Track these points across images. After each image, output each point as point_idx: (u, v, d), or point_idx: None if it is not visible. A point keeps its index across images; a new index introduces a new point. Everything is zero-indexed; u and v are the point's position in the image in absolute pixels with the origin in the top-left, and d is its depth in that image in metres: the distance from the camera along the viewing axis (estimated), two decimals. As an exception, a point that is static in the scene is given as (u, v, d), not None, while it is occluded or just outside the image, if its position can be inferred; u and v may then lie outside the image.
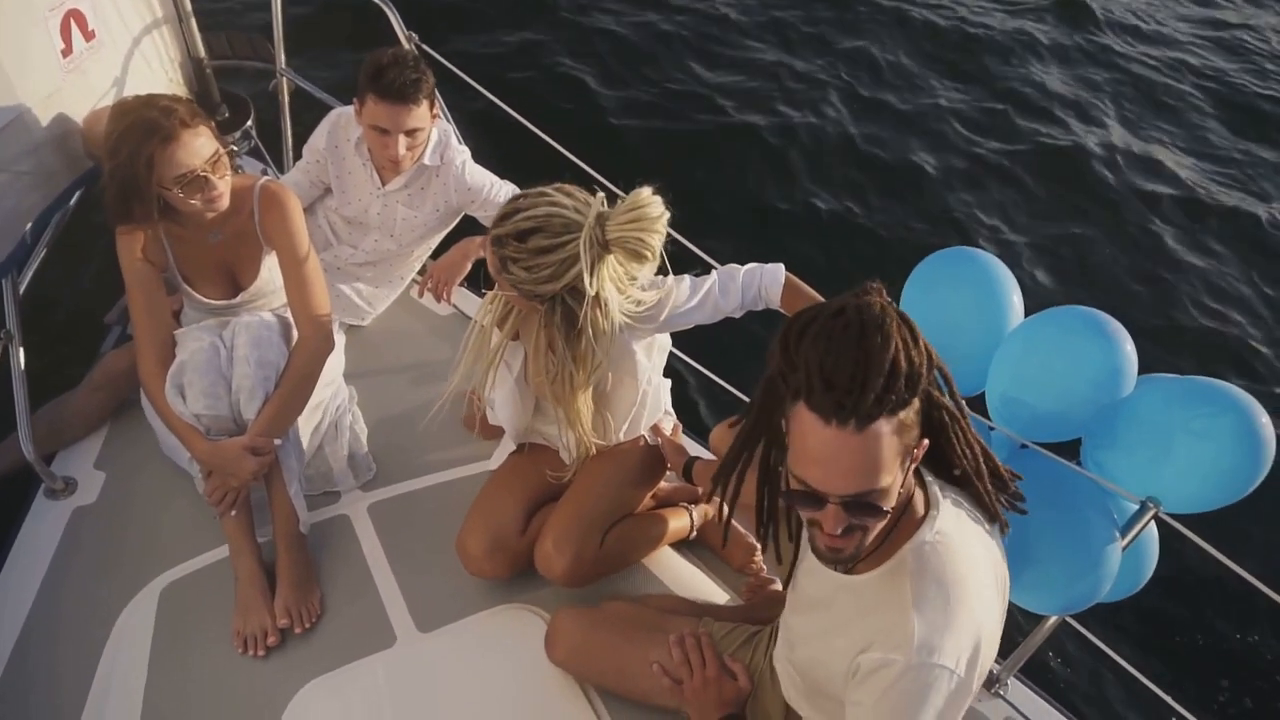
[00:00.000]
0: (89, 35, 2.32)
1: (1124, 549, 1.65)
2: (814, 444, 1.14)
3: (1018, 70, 6.18)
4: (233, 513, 1.96)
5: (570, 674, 1.80)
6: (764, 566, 2.16)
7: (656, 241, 1.61)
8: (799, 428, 1.16)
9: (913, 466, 1.22)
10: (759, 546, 2.18)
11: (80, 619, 1.96)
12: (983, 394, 1.83)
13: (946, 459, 1.32)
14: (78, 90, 2.28)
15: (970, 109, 5.76)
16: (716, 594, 2.11)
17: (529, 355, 1.94)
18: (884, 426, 1.12)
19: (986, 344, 1.80)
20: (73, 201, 2.31)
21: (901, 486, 1.19)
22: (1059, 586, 1.69)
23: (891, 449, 1.13)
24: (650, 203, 1.59)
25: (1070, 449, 1.75)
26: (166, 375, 1.97)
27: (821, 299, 1.79)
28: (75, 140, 2.30)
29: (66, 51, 2.25)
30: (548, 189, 1.65)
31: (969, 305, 1.82)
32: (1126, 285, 4.67)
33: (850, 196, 4.96)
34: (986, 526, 1.36)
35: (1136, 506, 1.66)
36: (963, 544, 1.29)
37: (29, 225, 2.18)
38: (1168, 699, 1.93)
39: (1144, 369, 1.69)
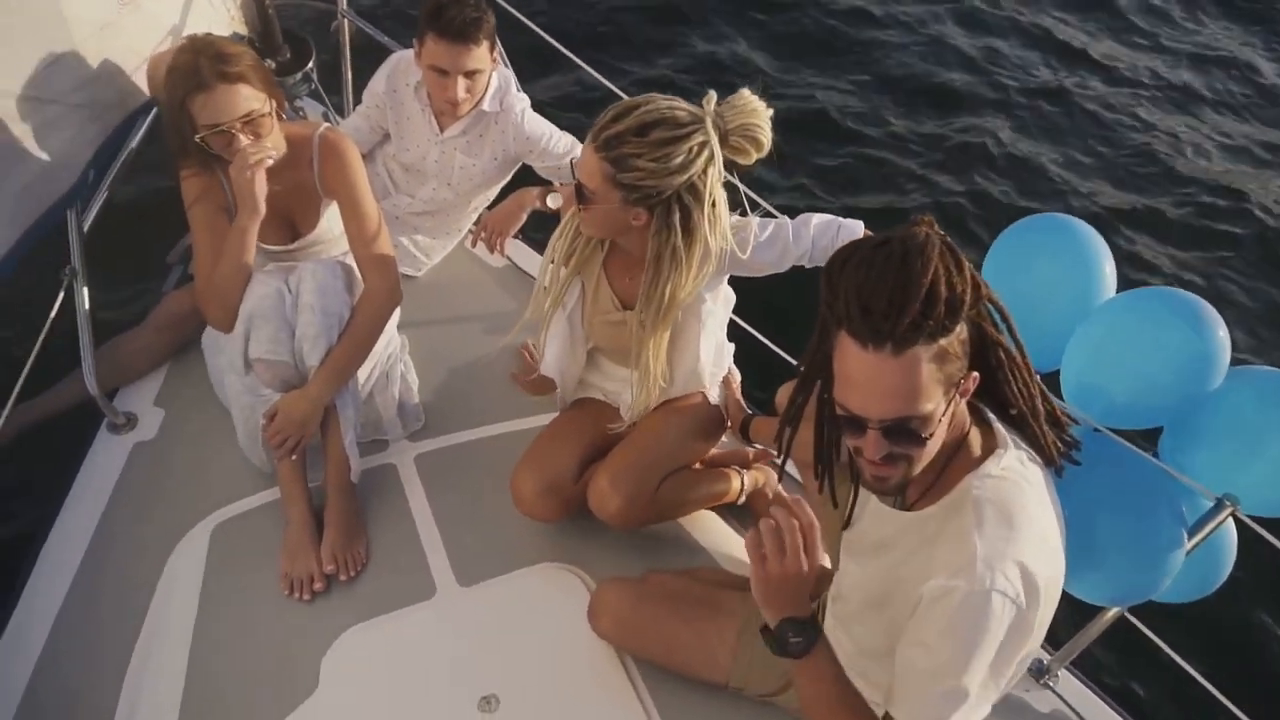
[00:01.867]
0: None
1: (1193, 547, 1.57)
2: (852, 368, 1.17)
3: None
4: (293, 457, 1.98)
5: (613, 645, 1.78)
6: (811, 540, 2.11)
7: (769, 130, 1.69)
8: (841, 354, 1.19)
9: (961, 399, 1.22)
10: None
11: (136, 552, 2.02)
12: (1059, 372, 1.74)
13: (1003, 398, 1.32)
14: (133, 24, 2.27)
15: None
16: (761, 565, 2.07)
17: (586, 294, 1.92)
18: (922, 352, 1.13)
19: (1070, 319, 1.71)
20: (136, 141, 2.32)
21: (945, 415, 1.19)
22: (1116, 577, 1.63)
23: (931, 376, 1.15)
24: (754, 98, 1.68)
25: (1148, 437, 1.66)
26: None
27: None
28: (131, 75, 2.30)
29: None
30: (645, 95, 1.66)
31: (1055, 277, 1.73)
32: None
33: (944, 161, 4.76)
34: (1044, 471, 1.34)
35: (1211, 503, 1.57)
36: (1028, 483, 1.28)
37: (89, 160, 2.20)
38: (1235, 710, 1.83)
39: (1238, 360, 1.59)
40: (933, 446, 1.21)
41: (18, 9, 2.00)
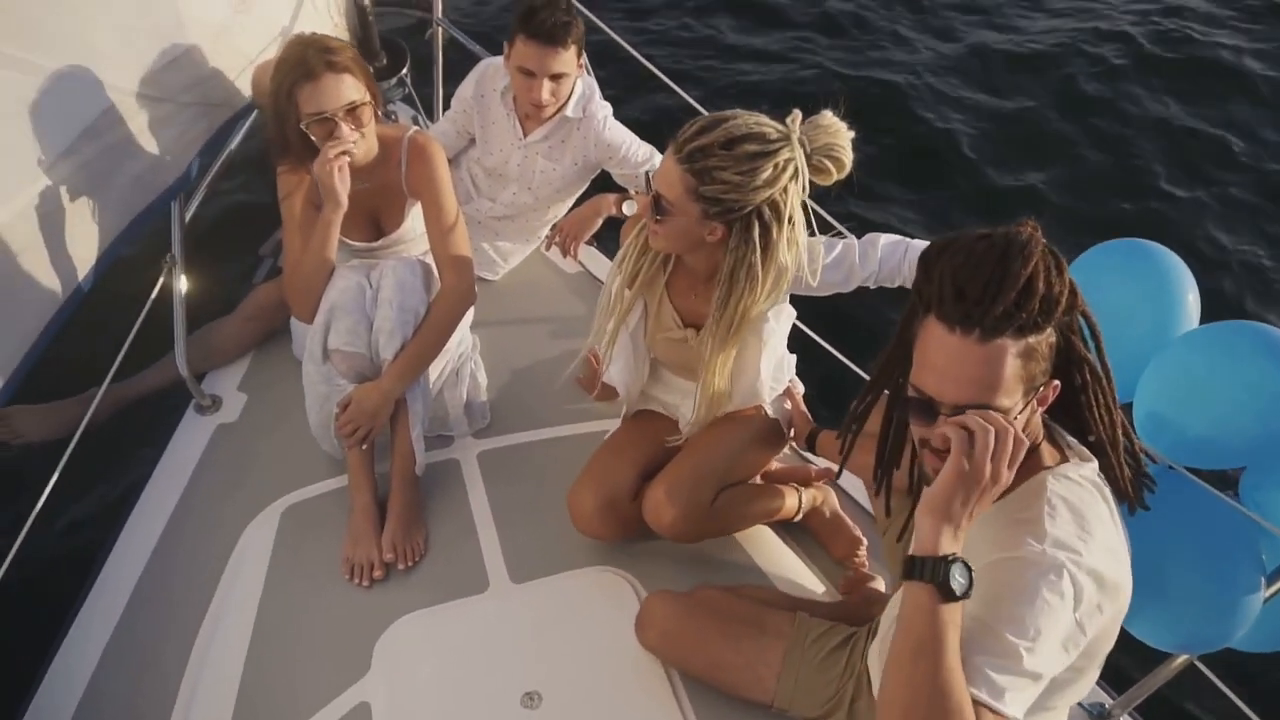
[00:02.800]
0: None
1: (1271, 595, 1.50)
2: (935, 351, 1.15)
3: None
4: (363, 446, 2.05)
5: (659, 659, 1.78)
6: (866, 561, 2.08)
7: (850, 152, 1.70)
8: (924, 338, 1.18)
9: (1039, 407, 1.20)
10: (864, 541, 2.11)
11: (212, 526, 2.12)
12: (1130, 405, 1.67)
13: (1083, 423, 1.28)
14: (244, 28, 2.40)
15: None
16: (814, 585, 2.05)
17: (649, 312, 1.94)
18: (1009, 345, 1.12)
19: (1145, 349, 1.64)
20: (237, 141, 2.46)
21: (1020, 418, 1.16)
22: (1186, 623, 1.56)
23: (1013, 371, 1.13)
24: (837, 119, 1.70)
25: (1222, 478, 1.58)
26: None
27: None
28: (239, 77, 2.43)
29: None
30: (729, 110, 1.67)
31: (1132, 304, 1.67)
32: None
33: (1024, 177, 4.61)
34: (1117, 502, 1.28)
35: (1294, 551, 1.49)
36: (1104, 498, 1.23)
37: (195, 155, 2.33)
38: None
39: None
40: None
41: (142, 13, 2.14)
